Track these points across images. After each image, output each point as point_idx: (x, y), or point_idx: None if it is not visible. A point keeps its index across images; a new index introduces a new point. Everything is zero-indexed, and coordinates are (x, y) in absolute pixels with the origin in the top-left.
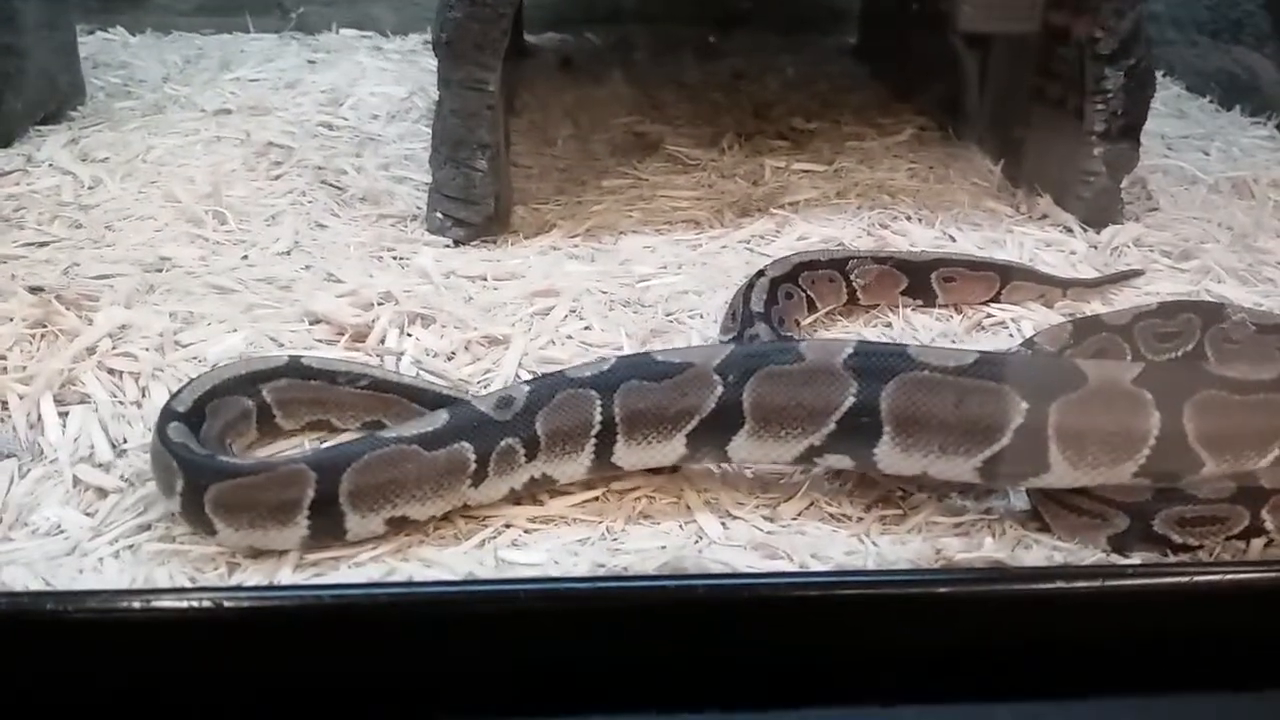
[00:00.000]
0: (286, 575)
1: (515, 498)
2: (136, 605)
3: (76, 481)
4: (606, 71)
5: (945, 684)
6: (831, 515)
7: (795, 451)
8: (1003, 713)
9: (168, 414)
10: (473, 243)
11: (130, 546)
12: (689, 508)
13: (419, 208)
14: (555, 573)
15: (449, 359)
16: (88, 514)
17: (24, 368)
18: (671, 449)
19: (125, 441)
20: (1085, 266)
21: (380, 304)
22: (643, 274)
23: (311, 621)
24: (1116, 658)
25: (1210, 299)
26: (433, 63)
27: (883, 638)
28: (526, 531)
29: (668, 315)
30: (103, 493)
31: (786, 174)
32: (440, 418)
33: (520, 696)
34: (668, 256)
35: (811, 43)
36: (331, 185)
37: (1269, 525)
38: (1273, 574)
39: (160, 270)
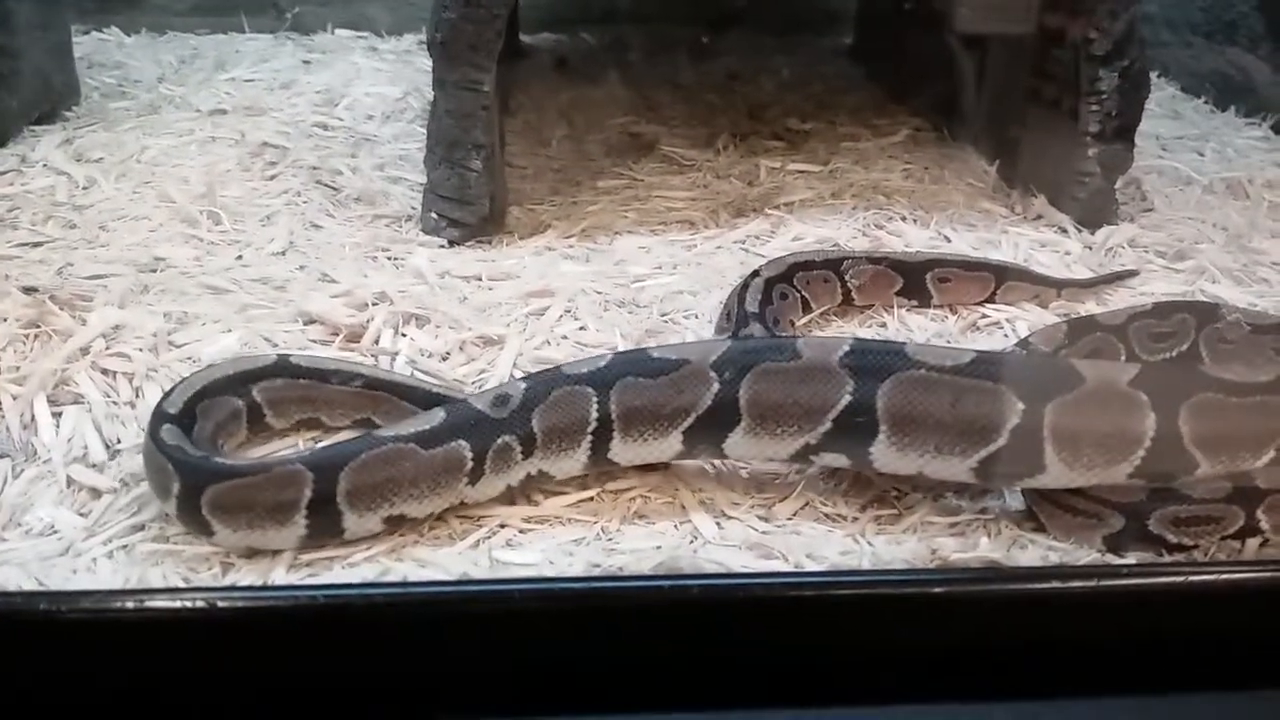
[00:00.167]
0: (281, 575)
1: (512, 495)
2: (130, 606)
3: (70, 482)
4: (602, 72)
5: (941, 684)
6: (826, 515)
7: (791, 449)
8: (998, 713)
9: (160, 416)
10: (467, 243)
11: (124, 547)
12: (684, 507)
13: (414, 208)
14: (550, 573)
15: (444, 359)
16: (81, 514)
17: (17, 368)
18: (668, 445)
19: (119, 442)
20: (1080, 267)
21: (375, 304)
22: (638, 274)
23: (306, 622)
24: (1112, 658)
25: (1205, 299)
26: (428, 63)
27: (878, 638)
28: (521, 531)
29: (663, 315)
30: (96, 493)
31: (781, 174)
32: (437, 416)
33: (515, 697)
34: (663, 257)
35: (806, 44)
36: (326, 185)
37: (1264, 525)
38: (1268, 574)
39: (154, 270)
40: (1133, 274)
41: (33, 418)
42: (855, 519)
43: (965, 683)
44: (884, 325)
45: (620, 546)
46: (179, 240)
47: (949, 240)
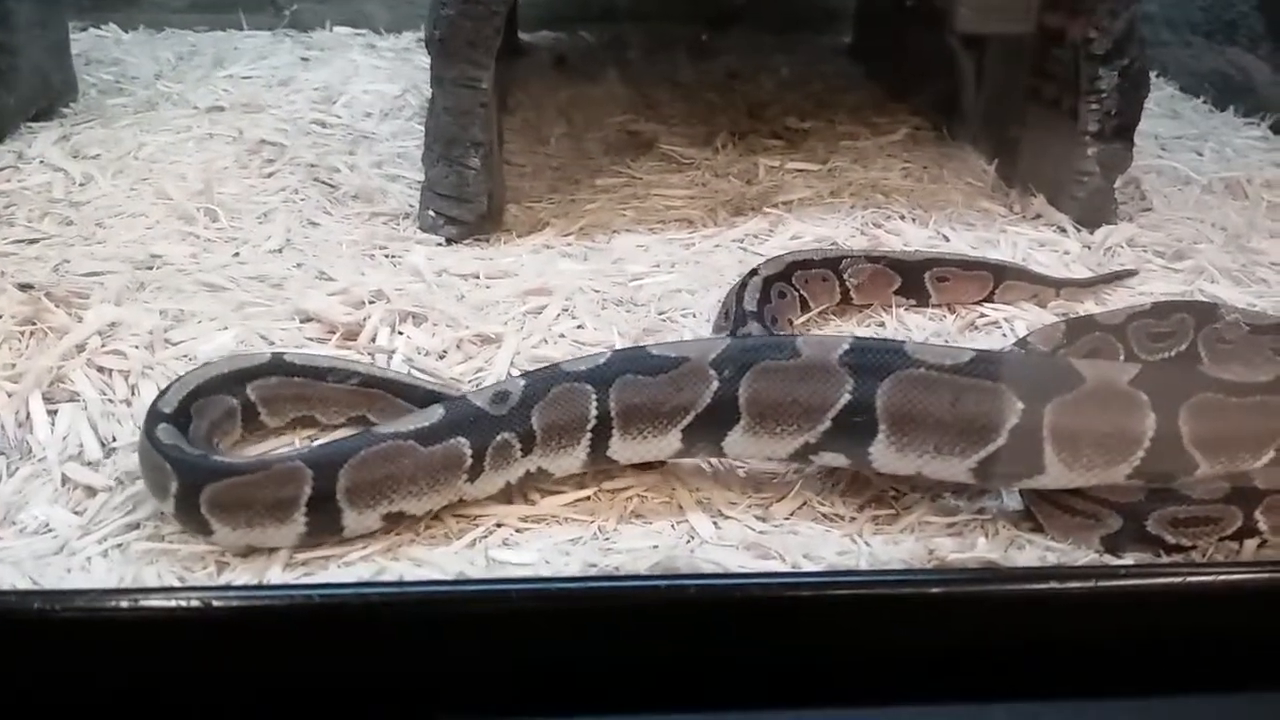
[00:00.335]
0: (276, 574)
1: (510, 493)
2: (125, 604)
3: (65, 480)
4: (600, 70)
5: (938, 684)
6: (824, 515)
7: (790, 448)
8: (996, 713)
9: (155, 415)
10: (465, 241)
11: (119, 545)
12: (681, 507)
13: (411, 206)
14: (546, 572)
15: (441, 357)
16: (76, 512)
17: (13, 365)
18: (667, 443)
19: (114, 440)
20: (1079, 266)
21: (372, 302)
22: (636, 273)
23: (301, 621)
24: (1110, 659)
25: (1204, 299)
26: (426, 61)
27: (876, 638)
28: (518, 531)
29: (660, 314)
30: (91, 491)
31: (780, 173)
32: (436, 413)
33: (511, 697)
34: (661, 255)
35: (806, 42)
36: (324, 183)
37: (1262, 526)
38: (1266, 574)
39: (151, 268)
40: (1131, 274)
41: (28, 415)
42: (853, 519)
43: (963, 683)
44: (882, 324)
45: (617, 546)
46: (176, 237)
47: (947, 239)
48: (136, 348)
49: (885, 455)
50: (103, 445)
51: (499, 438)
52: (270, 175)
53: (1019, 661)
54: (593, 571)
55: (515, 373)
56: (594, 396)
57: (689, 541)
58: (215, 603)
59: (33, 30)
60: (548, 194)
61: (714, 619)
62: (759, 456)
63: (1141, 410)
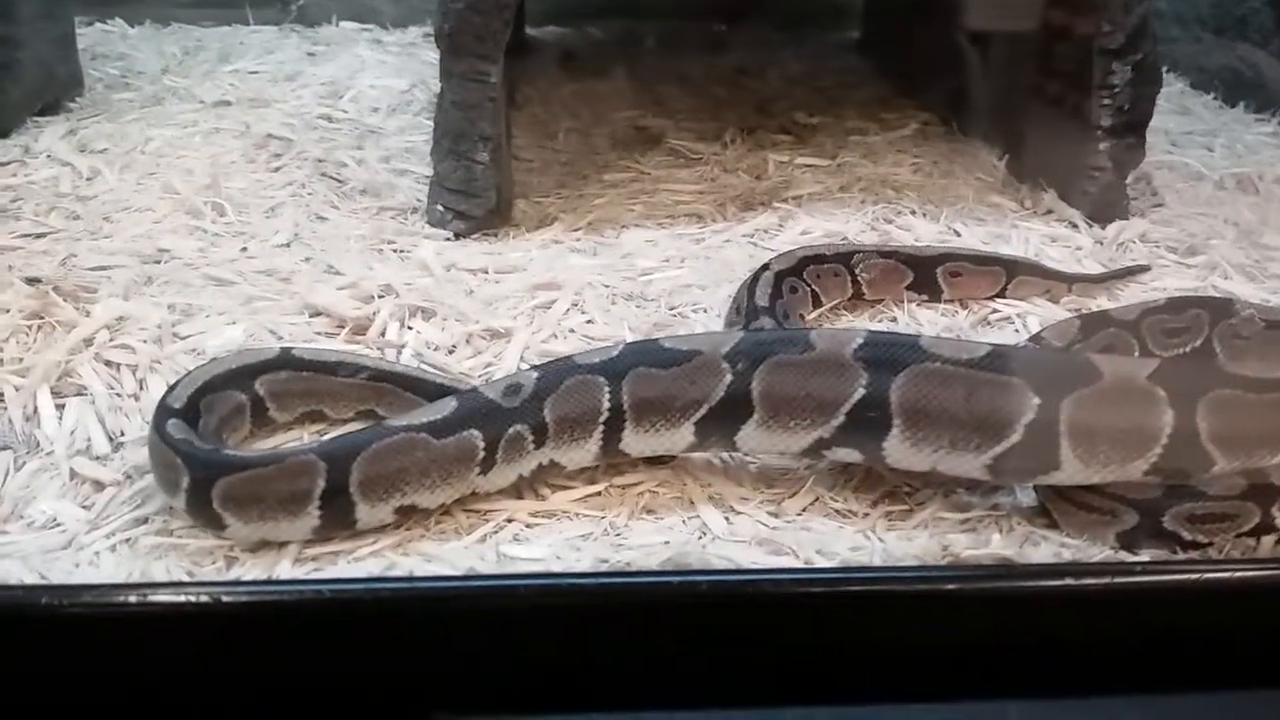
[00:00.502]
0: (285, 569)
1: (520, 488)
2: (133, 600)
3: (73, 474)
4: (608, 65)
5: (953, 682)
6: (836, 510)
7: (804, 443)
8: (1011, 711)
9: (164, 411)
10: (474, 235)
11: (127, 540)
12: (692, 502)
13: (419, 200)
14: (557, 568)
15: (450, 352)
16: (84, 507)
17: (20, 359)
18: (680, 437)
19: (122, 434)
20: (1091, 262)
21: (381, 297)
22: (645, 268)
23: (311, 616)
24: (1125, 656)
25: (1217, 295)
26: (433, 56)
27: (889, 635)
28: (528, 526)
29: (670, 309)
30: (99, 486)
31: (789, 168)
32: (448, 405)
33: (522, 693)
34: (670, 250)
35: (814, 38)
36: (331, 178)
37: (1279, 522)
38: None
39: (159, 262)
40: (1144, 269)
41: (35, 409)
42: (866, 515)
43: (977, 681)
44: (894, 320)
45: (628, 542)
46: (183, 232)
47: (959, 235)
48: (144, 342)
49: (899, 450)
50: (110, 440)
51: (511, 430)
52: (277, 170)
53: (1034, 659)
54: (604, 567)
55: (525, 367)
56: (607, 389)
57: (700, 537)
58: (224, 598)
59: (38, 24)
60: (556, 189)
61: (727, 615)
62: (772, 451)
63: (1159, 406)
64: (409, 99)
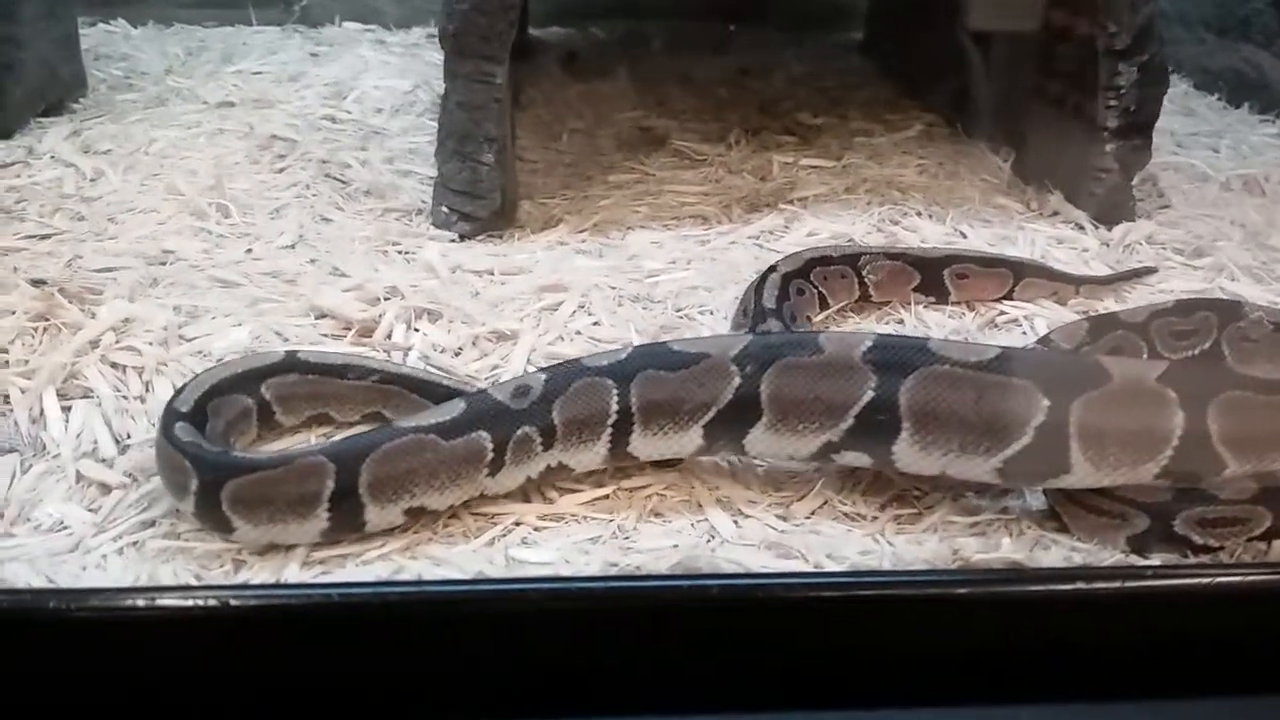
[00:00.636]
0: (293, 573)
1: (528, 491)
2: (140, 604)
3: (79, 477)
4: (612, 66)
5: (963, 686)
6: (845, 514)
7: (813, 447)
8: (1021, 715)
9: (171, 414)
10: (479, 237)
11: (134, 543)
12: (700, 505)
13: (424, 202)
14: (566, 572)
15: (456, 354)
16: (91, 510)
17: (26, 361)
18: (688, 440)
19: (129, 437)
20: (1097, 264)
21: (386, 299)
22: (651, 269)
23: (319, 621)
24: (1136, 660)
25: (1225, 297)
26: (437, 56)
27: (900, 640)
28: (536, 529)
29: (677, 311)
30: (106, 488)
31: (794, 169)
32: (457, 407)
33: (530, 697)
34: (676, 252)
35: (816, 39)
36: (336, 179)
37: None
38: None
39: (164, 263)
40: (1151, 271)
41: (41, 412)
42: (875, 518)
43: (988, 685)
44: (901, 322)
45: (637, 545)
46: (188, 233)
47: (965, 236)
48: (150, 344)
49: (909, 454)
50: (117, 442)
51: (520, 431)
52: (281, 171)
53: (1044, 663)
54: (613, 571)
55: (531, 369)
56: (615, 391)
57: (709, 541)
58: (232, 601)
59: (41, 25)
60: (561, 190)
61: (737, 620)
62: (781, 455)
63: (1170, 408)
64: (412, 100)
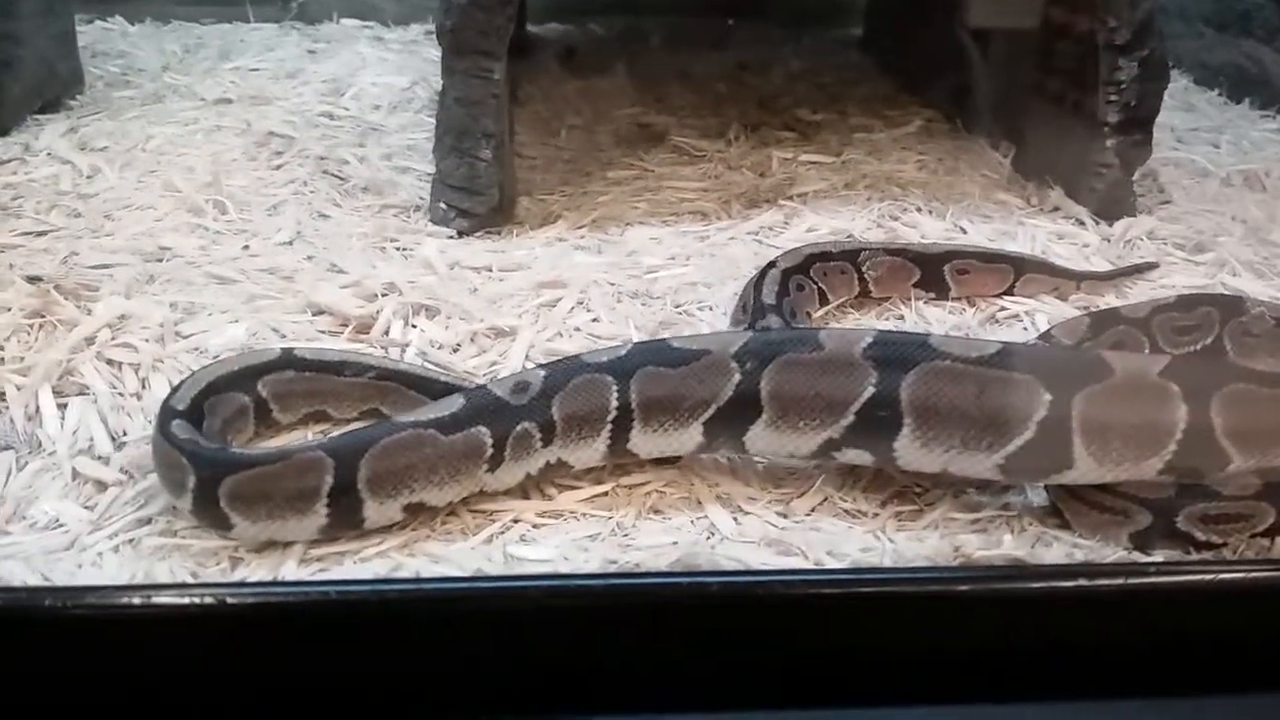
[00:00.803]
0: (291, 570)
1: (527, 487)
2: (137, 601)
3: (75, 474)
4: (610, 62)
5: (964, 684)
6: (846, 511)
7: (813, 444)
8: (1022, 713)
9: (168, 412)
10: (477, 233)
11: (130, 540)
12: (700, 502)
13: (422, 198)
14: (565, 569)
15: (454, 351)
16: (87, 507)
17: (22, 358)
18: (688, 437)
19: (125, 434)
20: (1098, 259)
21: (384, 295)
22: (650, 265)
23: (317, 618)
24: (1139, 657)
25: (1227, 292)
26: (434, 53)
27: (901, 637)
28: (535, 526)
29: (676, 307)
30: (102, 486)
31: (794, 165)
32: (456, 402)
33: (529, 695)
34: (675, 248)
35: (815, 34)
36: (333, 175)
37: None
38: None
39: (160, 260)
40: (1153, 266)
41: (37, 409)
42: (875, 515)
43: (989, 683)
44: (901, 318)
45: (636, 542)
46: (185, 230)
47: (965, 232)
48: (147, 341)
49: (910, 451)
50: (113, 439)
51: (520, 427)
52: (279, 167)
53: (1046, 661)
54: (612, 568)
55: (530, 366)
56: (615, 388)
57: (709, 538)
58: (229, 599)
59: (38, 21)
60: (559, 186)
61: (737, 617)
62: (781, 453)
63: (1173, 402)
64: (410, 96)
